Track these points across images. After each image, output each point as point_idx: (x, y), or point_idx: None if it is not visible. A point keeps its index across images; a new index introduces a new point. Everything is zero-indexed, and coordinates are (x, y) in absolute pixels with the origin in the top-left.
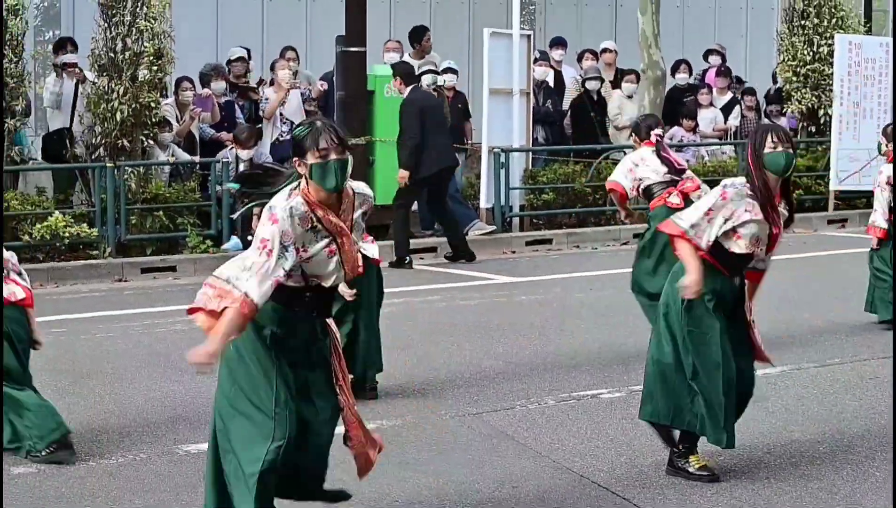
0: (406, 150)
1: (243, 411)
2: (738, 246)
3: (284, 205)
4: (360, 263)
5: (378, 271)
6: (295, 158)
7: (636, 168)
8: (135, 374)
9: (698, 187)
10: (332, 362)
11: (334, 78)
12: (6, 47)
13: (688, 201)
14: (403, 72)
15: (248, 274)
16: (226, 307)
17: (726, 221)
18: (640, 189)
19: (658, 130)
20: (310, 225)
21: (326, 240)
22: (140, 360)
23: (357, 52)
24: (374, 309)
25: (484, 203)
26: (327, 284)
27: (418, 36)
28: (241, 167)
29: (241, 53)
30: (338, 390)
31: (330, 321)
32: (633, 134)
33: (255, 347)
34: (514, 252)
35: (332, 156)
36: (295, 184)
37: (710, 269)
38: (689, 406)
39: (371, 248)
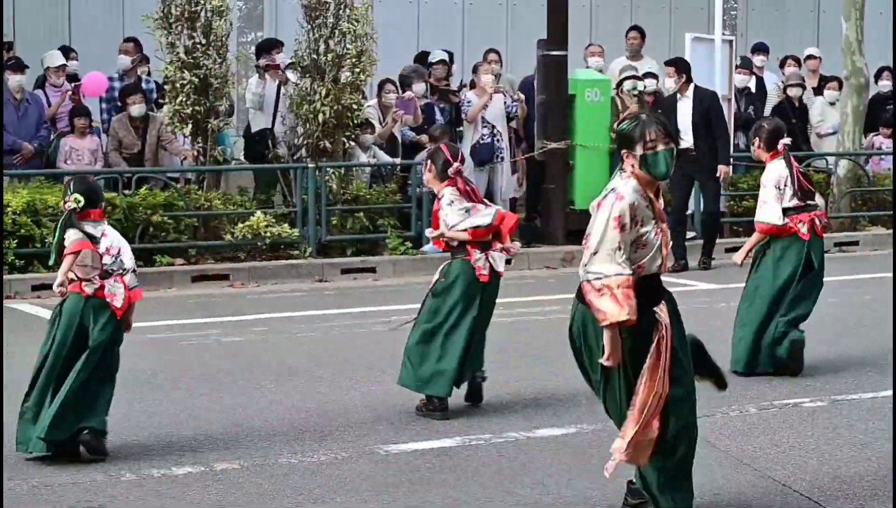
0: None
1: None
2: None
3: (625, 183)
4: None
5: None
6: (623, 151)
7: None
8: (335, 374)
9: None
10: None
11: (535, 82)
12: (211, 48)
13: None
14: (688, 68)
15: (607, 256)
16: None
17: None
18: None
19: (787, 140)
20: (645, 204)
21: (653, 222)
22: (341, 360)
23: (558, 55)
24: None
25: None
26: (651, 270)
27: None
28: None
29: (442, 56)
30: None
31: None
32: (758, 140)
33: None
34: (714, 259)
35: (660, 146)
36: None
37: None
38: None
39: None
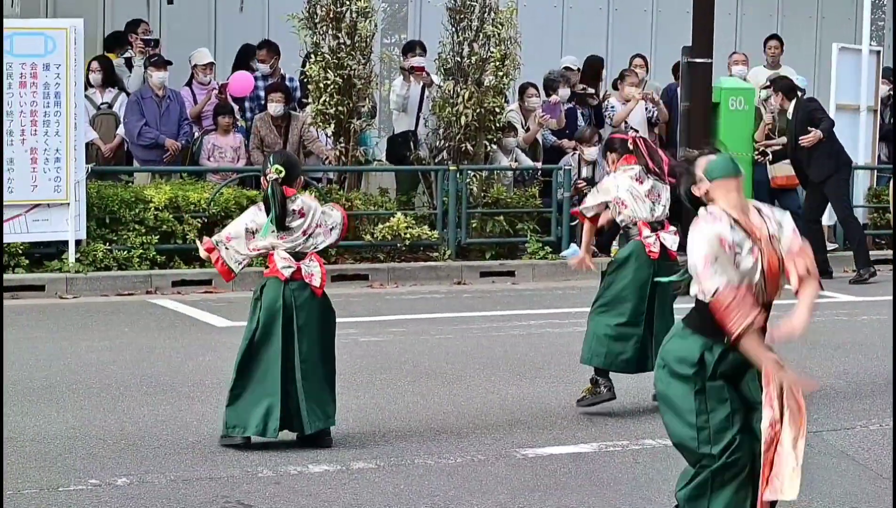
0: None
1: None
2: None
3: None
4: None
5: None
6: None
7: None
8: (473, 376)
9: None
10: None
11: (678, 89)
12: (355, 48)
13: None
14: (785, 86)
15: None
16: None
17: None
18: None
19: None
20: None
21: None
22: (478, 362)
23: (703, 63)
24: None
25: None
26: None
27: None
28: (585, 171)
29: (572, 61)
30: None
31: None
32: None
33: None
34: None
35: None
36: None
37: None
38: None
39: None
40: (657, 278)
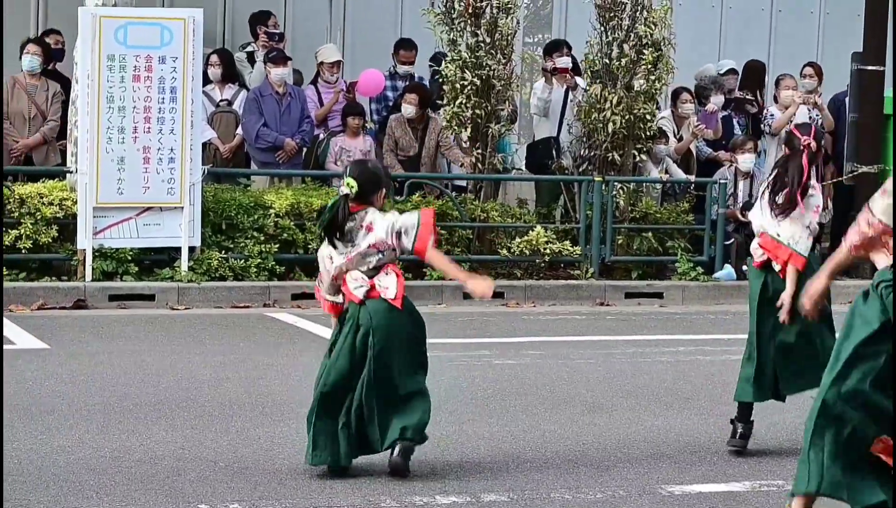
0: None
1: None
2: None
3: None
4: None
5: None
6: None
7: None
8: (615, 405)
9: None
10: None
11: (847, 99)
12: (495, 47)
13: None
14: None
15: None
16: None
17: None
18: None
19: None
20: None
21: None
22: (622, 390)
23: (875, 70)
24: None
25: None
26: None
27: None
28: (742, 186)
29: (730, 66)
30: None
31: None
32: None
33: None
34: None
35: None
36: None
37: None
38: None
39: None
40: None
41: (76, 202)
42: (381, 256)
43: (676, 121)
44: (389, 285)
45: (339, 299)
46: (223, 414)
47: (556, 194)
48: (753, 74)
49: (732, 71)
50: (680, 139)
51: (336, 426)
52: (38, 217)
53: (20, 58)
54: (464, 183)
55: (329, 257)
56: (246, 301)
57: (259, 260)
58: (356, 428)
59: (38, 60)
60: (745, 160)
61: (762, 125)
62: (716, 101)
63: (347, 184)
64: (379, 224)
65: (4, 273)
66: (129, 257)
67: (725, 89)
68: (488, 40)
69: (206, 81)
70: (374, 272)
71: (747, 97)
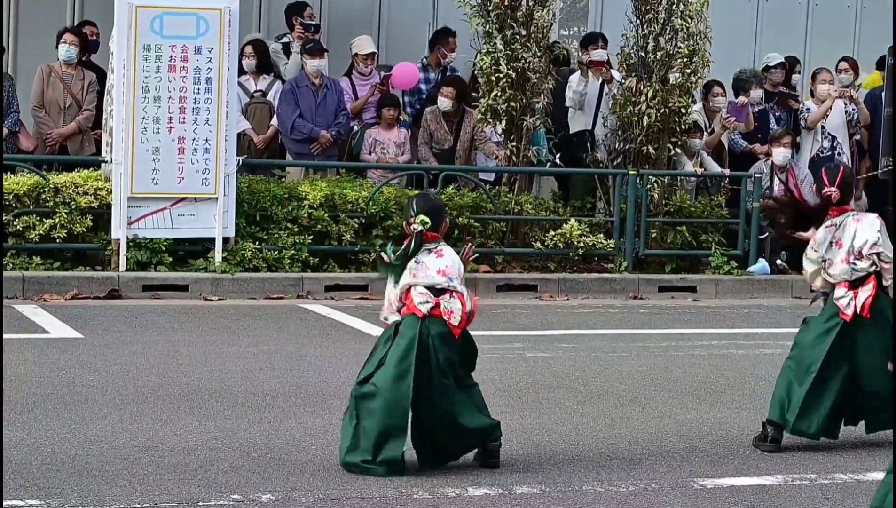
0: None
1: None
2: None
3: None
4: None
5: None
6: None
7: None
8: (648, 398)
9: None
10: None
11: (883, 93)
12: (531, 40)
13: None
14: None
15: None
16: None
17: None
18: None
19: None
20: None
21: None
22: (654, 384)
23: None
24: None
25: None
26: None
27: None
28: (777, 181)
29: (779, 59)
30: None
31: None
32: None
33: None
34: None
35: None
36: None
37: None
38: None
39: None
40: None
41: (111, 192)
42: (449, 282)
43: (708, 114)
44: (455, 310)
45: (398, 317)
46: (256, 405)
47: (591, 188)
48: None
49: (781, 65)
50: (711, 132)
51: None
52: (73, 207)
53: (56, 47)
54: (491, 176)
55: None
56: (279, 292)
57: (293, 251)
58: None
59: (75, 50)
60: (780, 154)
61: (800, 119)
62: (754, 95)
63: (421, 221)
64: (446, 254)
65: (39, 262)
66: (164, 248)
67: (766, 83)
68: (524, 33)
69: (241, 71)
70: (440, 292)
71: (791, 92)
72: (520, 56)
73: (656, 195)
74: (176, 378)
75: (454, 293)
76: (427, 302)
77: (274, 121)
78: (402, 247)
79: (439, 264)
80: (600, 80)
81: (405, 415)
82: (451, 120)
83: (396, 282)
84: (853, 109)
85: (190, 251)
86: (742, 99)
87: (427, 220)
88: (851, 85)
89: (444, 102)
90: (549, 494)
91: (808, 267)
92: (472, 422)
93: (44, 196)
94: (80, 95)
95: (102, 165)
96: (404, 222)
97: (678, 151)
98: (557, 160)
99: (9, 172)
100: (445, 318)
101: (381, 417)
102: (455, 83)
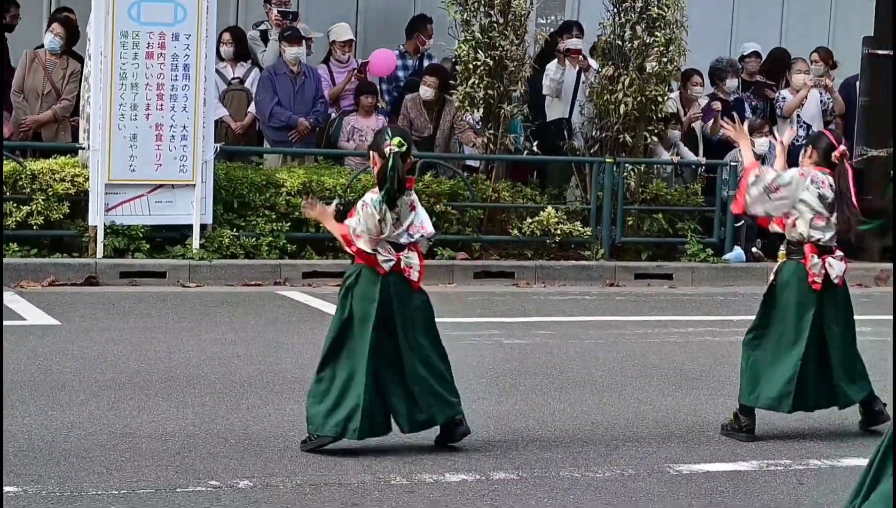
0: None
1: None
2: None
3: None
4: None
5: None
6: None
7: None
8: (624, 384)
9: None
10: None
11: (858, 83)
12: (508, 27)
13: None
14: None
15: None
16: None
17: None
18: None
19: None
20: None
21: None
22: (631, 370)
23: (885, 55)
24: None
25: None
26: None
27: None
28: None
29: (755, 48)
30: None
31: None
32: None
33: None
34: None
35: None
36: None
37: None
38: None
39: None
40: None
41: (88, 179)
42: (416, 236)
43: (683, 103)
44: (413, 265)
45: (371, 253)
46: (234, 391)
47: (567, 175)
48: (777, 63)
49: (756, 54)
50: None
51: (342, 401)
52: (50, 193)
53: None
54: (475, 163)
55: (382, 221)
56: (257, 279)
57: (270, 238)
58: (370, 406)
59: (60, 42)
60: (759, 144)
61: (776, 109)
62: (730, 84)
63: (397, 143)
64: (418, 207)
65: (15, 249)
66: (141, 235)
67: (742, 73)
68: (501, 21)
69: (219, 58)
70: (400, 247)
71: (767, 82)
72: (497, 44)
73: (633, 183)
74: (153, 365)
75: (412, 246)
76: (390, 260)
77: (251, 108)
78: (387, 167)
79: (415, 220)
80: (577, 68)
81: (361, 382)
82: (431, 108)
83: (384, 202)
84: (828, 99)
85: (167, 238)
86: (717, 105)
87: (403, 142)
88: (825, 75)
89: (427, 91)
90: (526, 480)
91: (755, 191)
92: (446, 389)
93: (20, 183)
94: (61, 84)
95: (80, 151)
96: (371, 151)
97: (654, 139)
98: (535, 148)
99: None
100: (406, 274)
101: (338, 384)
102: (438, 72)
